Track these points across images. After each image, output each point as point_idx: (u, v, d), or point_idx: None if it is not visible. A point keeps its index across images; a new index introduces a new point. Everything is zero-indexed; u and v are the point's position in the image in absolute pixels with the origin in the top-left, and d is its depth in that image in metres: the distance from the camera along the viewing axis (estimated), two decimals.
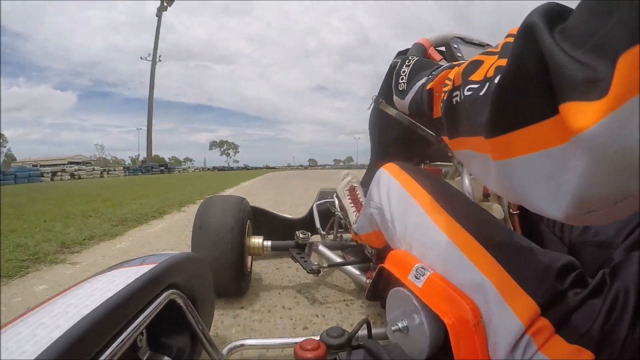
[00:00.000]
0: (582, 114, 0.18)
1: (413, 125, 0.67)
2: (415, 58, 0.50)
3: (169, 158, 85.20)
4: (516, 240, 0.41)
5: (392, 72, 0.53)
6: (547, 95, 0.21)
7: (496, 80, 0.25)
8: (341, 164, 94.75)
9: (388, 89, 0.51)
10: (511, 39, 0.25)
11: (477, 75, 0.29)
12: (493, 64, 0.27)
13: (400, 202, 0.54)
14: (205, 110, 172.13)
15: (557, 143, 0.21)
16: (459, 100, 0.31)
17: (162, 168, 23.99)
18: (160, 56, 37.06)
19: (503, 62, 0.25)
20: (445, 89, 0.35)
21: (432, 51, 0.62)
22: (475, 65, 0.30)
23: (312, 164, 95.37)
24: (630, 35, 0.16)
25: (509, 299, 0.35)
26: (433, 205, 0.49)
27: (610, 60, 0.17)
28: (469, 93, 0.29)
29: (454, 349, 0.38)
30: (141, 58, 38.29)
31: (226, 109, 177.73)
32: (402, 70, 0.49)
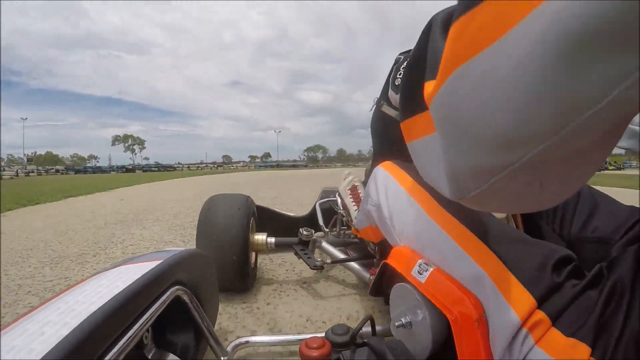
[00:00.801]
0: (430, 88, 0.21)
1: None
2: None
3: (70, 155, 77.63)
4: (513, 233, 0.42)
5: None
6: None
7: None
8: (257, 160, 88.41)
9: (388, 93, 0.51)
10: None
11: None
12: None
13: (397, 199, 0.54)
14: (115, 103, 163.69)
15: None
16: None
17: None
18: None
19: None
20: None
21: None
22: None
23: (227, 161, 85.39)
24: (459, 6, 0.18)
25: (506, 292, 0.35)
26: (430, 201, 0.49)
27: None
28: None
29: (457, 345, 0.38)
30: None
31: (137, 102, 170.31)
32: (403, 66, 0.49)
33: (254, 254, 1.09)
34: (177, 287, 0.43)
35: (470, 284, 0.39)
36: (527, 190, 0.20)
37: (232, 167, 43.35)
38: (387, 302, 0.55)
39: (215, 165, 48.69)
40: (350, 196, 1.05)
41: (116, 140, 78.43)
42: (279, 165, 52.83)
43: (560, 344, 0.31)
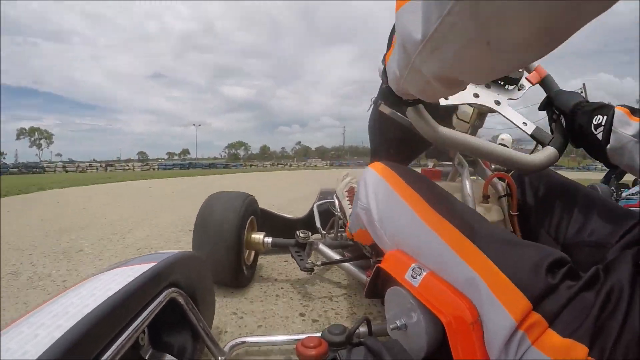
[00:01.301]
0: None
1: (412, 126, 0.66)
2: None
3: None
4: (505, 236, 0.41)
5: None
6: None
7: None
8: (175, 157, 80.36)
9: (386, 92, 0.51)
10: None
11: None
12: None
13: (388, 202, 0.54)
14: (30, 94, 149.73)
15: None
16: None
17: None
18: None
19: None
20: None
21: None
22: None
23: (142, 157, 75.39)
24: None
25: (500, 295, 0.35)
26: (422, 203, 0.49)
27: None
28: None
29: (452, 347, 0.38)
30: None
31: (54, 93, 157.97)
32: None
33: (252, 253, 1.09)
34: (172, 289, 0.43)
35: (464, 287, 0.39)
36: (476, 47, 0.23)
37: (127, 168, 32.60)
38: (384, 303, 0.54)
39: (104, 165, 35.82)
40: (347, 198, 1.05)
41: (21, 134, 66.44)
42: (190, 165, 37.64)
43: (557, 345, 0.31)
